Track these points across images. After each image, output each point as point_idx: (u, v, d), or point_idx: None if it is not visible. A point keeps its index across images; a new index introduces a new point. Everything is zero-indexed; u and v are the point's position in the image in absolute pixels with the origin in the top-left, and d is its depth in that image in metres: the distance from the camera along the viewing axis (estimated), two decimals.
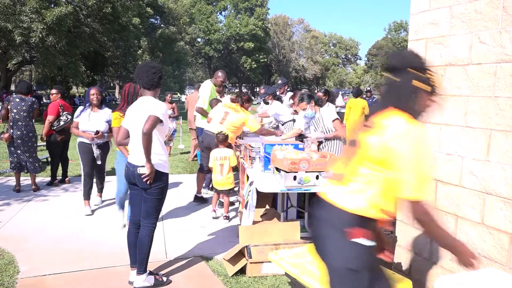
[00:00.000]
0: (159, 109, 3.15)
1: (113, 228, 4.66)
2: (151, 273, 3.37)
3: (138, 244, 3.29)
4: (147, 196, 3.24)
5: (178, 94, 43.96)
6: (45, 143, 6.60)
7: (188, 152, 9.93)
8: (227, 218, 5.11)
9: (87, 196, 5.25)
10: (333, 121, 4.92)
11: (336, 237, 1.81)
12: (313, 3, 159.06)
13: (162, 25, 36.06)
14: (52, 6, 16.69)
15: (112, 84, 50.15)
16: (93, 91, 5.20)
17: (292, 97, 6.16)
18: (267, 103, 7.21)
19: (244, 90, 55.32)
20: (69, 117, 6.19)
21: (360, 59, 79.42)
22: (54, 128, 6.19)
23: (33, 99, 6.27)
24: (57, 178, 6.66)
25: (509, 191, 2.48)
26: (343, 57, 78.00)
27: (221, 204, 5.35)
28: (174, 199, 5.87)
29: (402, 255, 3.25)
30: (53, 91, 6.56)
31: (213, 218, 5.14)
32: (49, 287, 3.35)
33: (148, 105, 3.19)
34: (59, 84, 19.78)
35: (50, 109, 6.20)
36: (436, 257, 2.95)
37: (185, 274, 3.61)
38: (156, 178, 3.17)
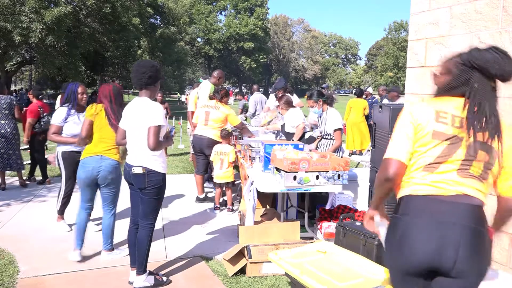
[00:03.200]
0: (156, 115, 3.08)
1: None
2: (151, 273, 3.37)
3: (137, 245, 3.29)
4: (144, 197, 3.24)
5: (178, 94, 43.96)
6: (28, 146, 6.63)
7: (188, 152, 9.93)
8: (231, 210, 5.30)
9: (62, 211, 4.63)
10: (335, 130, 4.82)
11: (486, 236, 1.76)
12: (313, 3, 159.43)
13: (162, 25, 36.01)
14: (52, 6, 16.67)
15: None
16: (81, 89, 4.41)
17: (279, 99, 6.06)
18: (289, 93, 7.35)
19: (244, 90, 55.37)
20: (50, 118, 6.18)
21: (360, 59, 79.60)
22: (36, 130, 6.32)
23: (11, 97, 6.37)
24: (36, 177, 6.75)
25: None
26: (343, 57, 78.10)
27: (224, 204, 5.48)
28: (174, 199, 5.87)
29: None
30: (29, 93, 6.73)
31: (215, 211, 5.32)
32: (49, 287, 3.35)
33: (144, 110, 3.14)
34: (59, 84, 19.79)
35: (30, 112, 6.29)
36: None
37: (185, 274, 3.62)
38: (152, 178, 3.17)
